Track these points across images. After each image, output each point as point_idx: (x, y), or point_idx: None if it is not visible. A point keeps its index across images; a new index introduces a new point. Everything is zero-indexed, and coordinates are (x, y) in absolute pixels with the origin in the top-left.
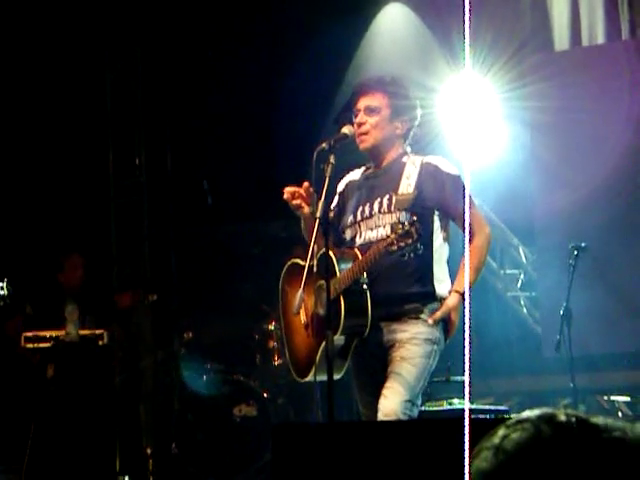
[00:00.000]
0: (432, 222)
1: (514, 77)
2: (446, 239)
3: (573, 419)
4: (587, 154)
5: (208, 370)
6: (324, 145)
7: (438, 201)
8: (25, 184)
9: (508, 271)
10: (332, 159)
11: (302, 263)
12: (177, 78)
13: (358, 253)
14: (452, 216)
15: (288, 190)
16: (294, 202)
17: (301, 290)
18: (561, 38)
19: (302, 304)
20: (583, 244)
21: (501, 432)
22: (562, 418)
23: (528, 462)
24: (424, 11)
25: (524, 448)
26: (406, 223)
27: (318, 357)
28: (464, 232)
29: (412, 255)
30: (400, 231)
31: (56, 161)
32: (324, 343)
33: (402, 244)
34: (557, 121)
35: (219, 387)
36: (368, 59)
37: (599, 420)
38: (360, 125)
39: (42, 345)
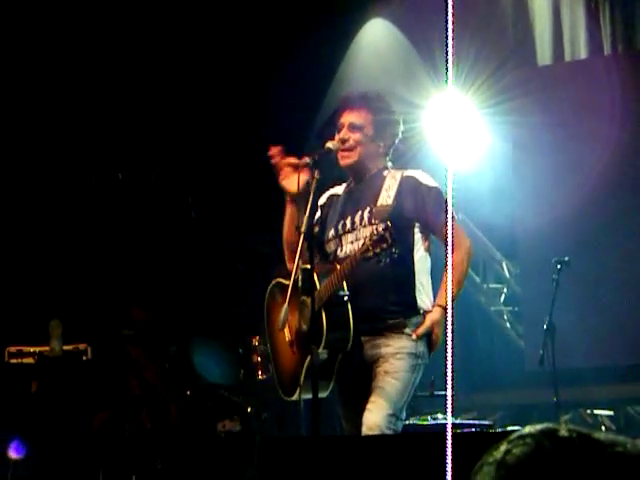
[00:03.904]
0: (412, 234)
1: (496, 92)
2: (428, 250)
3: (575, 434)
4: (569, 169)
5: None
6: (308, 160)
7: (417, 213)
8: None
9: (491, 285)
10: (316, 174)
11: (285, 282)
12: (161, 91)
13: (337, 266)
14: (432, 229)
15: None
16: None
17: (286, 305)
18: (543, 53)
19: (287, 319)
20: (566, 258)
21: (503, 447)
22: (564, 433)
23: (530, 477)
24: (406, 27)
25: (526, 463)
26: (380, 228)
27: (303, 373)
28: (444, 245)
29: (388, 260)
30: (375, 237)
31: (34, 173)
32: (308, 359)
33: (377, 249)
34: (539, 136)
35: (203, 402)
36: (351, 74)
37: (600, 435)
38: (343, 141)
39: (26, 361)
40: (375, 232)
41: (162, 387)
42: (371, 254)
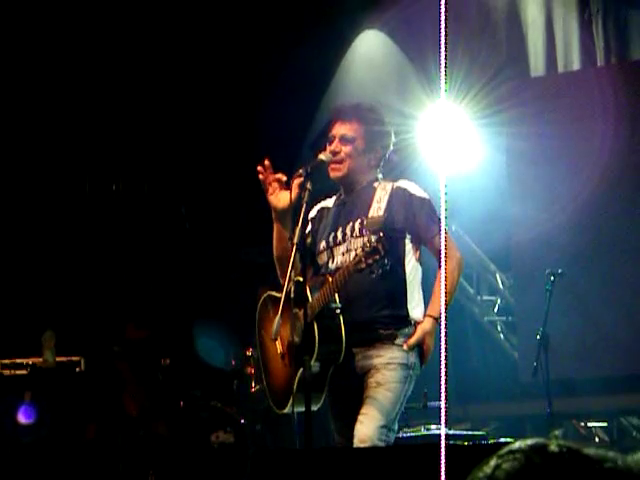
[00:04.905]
0: (403, 245)
1: (490, 103)
2: (419, 261)
3: (565, 449)
4: (563, 180)
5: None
6: (301, 171)
7: (408, 224)
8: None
9: (485, 297)
10: (309, 185)
11: (277, 294)
12: (155, 103)
13: (329, 278)
14: (422, 240)
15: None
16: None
17: (278, 316)
18: (536, 64)
19: (279, 331)
20: (559, 270)
21: (493, 462)
22: (554, 448)
23: None
24: (401, 38)
25: (515, 478)
26: (373, 240)
27: (295, 386)
28: (434, 257)
29: (380, 271)
30: (367, 248)
31: (28, 184)
32: (300, 371)
33: (370, 261)
34: (533, 147)
35: (197, 413)
36: (345, 86)
37: (590, 451)
38: (334, 153)
39: (19, 372)
40: (367, 243)
41: (147, 406)
42: (364, 265)
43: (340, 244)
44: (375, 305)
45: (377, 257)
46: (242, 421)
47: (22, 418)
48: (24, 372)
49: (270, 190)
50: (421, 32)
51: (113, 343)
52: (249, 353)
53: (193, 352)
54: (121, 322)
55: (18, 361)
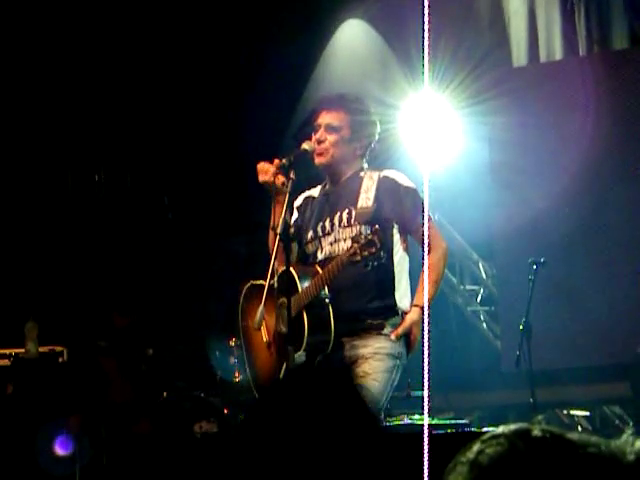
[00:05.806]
0: (392, 235)
1: (473, 93)
2: (406, 251)
3: (548, 434)
4: (545, 169)
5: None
6: (284, 161)
7: (396, 214)
8: None
9: (468, 286)
10: (292, 174)
11: (260, 283)
12: (136, 94)
13: (318, 269)
14: (409, 230)
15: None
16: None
17: (262, 305)
18: (519, 54)
19: (263, 319)
20: (542, 259)
21: (476, 447)
22: (537, 433)
23: (503, 477)
24: (383, 27)
25: (499, 463)
26: (368, 232)
27: (281, 376)
28: (421, 246)
29: (375, 264)
30: (363, 241)
31: (10, 175)
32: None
33: (365, 253)
34: (515, 136)
35: (180, 403)
36: (327, 75)
37: (574, 436)
38: (320, 142)
39: (1, 363)
40: (362, 236)
41: (131, 399)
42: (359, 258)
43: (328, 234)
44: (365, 296)
45: (373, 250)
46: (225, 411)
47: (60, 450)
48: (7, 362)
49: (272, 174)
50: (404, 21)
51: (99, 337)
52: (232, 343)
53: (176, 343)
54: (105, 313)
55: (0, 352)
